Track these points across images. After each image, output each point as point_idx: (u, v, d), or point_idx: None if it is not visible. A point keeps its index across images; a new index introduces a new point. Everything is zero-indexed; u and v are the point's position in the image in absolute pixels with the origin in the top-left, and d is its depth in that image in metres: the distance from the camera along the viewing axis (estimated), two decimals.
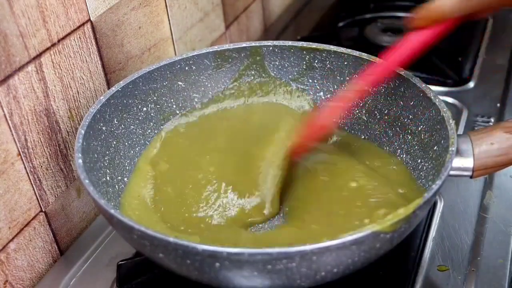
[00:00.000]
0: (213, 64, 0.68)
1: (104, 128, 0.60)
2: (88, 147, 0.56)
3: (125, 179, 0.62)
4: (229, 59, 0.69)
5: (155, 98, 0.66)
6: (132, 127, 0.64)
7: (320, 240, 0.44)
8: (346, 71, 0.67)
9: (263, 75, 0.70)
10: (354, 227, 0.45)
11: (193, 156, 0.64)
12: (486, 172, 0.54)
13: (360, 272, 0.49)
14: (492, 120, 0.78)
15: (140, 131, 0.65)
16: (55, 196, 0.63)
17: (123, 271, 0.59)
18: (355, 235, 0.44)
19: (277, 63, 0.69)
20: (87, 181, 0.51)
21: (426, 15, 0.53)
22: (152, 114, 0.66)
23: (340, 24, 1.03)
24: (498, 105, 0.81)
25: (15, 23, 0.53)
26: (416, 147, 0.60)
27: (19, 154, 0.57)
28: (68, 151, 0.63)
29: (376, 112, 0.66)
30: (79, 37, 0.62)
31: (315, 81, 0.69)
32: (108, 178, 0.59)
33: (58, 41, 0.59)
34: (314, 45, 0.67)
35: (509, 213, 0.64)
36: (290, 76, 0.70)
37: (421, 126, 0.60)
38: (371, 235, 0.45)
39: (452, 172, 0.52)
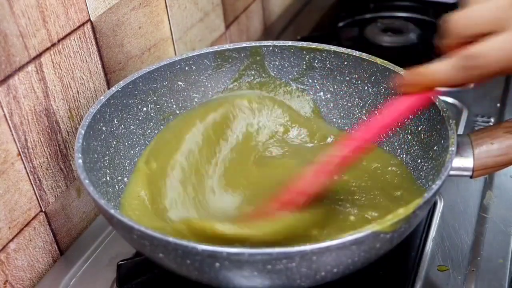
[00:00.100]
0: (213, 64, 0.68)
1: (104, 128, 0.60)
2: (88, 147, 0.56)
3: (125, 179, 0.62)
4: (229, 59, 0.69)
5: (155, 98, 0.66)
6: (132, 127, 0.64)
7: (320, 240, 0.44)
8: (346, 71, 0.67)
9: (263, 75, 0.70)
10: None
11: (181, 146, 0.64)
12: (486, 172, 0.54)
13: (360, 272, 0.49)
14: (492, 120, 0.78)
15: (140, 131, 0.65)
16: (55, 196, 0.63)
17: (123, 271, 0.59)
18: (355, 235, 0.44)
19: (277, 63, 0.69)
20: (87, 181, 0.51)
21: (417, 81, 0.49)
22: (152, 114, 0.66)
23: (340, 24, 1.03)
24: (498, 105, 0.81)
25: (15, 23, 0.53)
26: (416, 147, 0.60)
27: (19, 154, 0.57)
28: (68, 151, 0.63)
29: (376, 112, 0.65)
30: (79, 37, 0.62)
31: (315, 81, 0.69)
32: (108, 178, 0.59)
33: (58, 41, 0.59)
34: (314, 45, 0.67)
35: (509, 213, 0.64)
36: (290, 76, 0.70)
37: (421, 126, 0.60)
38: (371, 235, 0.45)
39: (452, 172, 0.52)
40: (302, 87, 0.70)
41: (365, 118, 0.67)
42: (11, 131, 0.55)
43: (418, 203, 0.47)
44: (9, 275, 0.58)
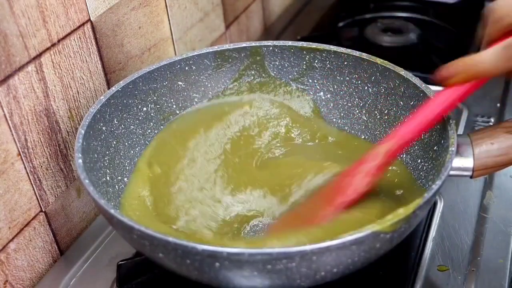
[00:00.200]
0: (213, 64, 0.68)
1: (104, 128, 0.60)
2: (88, 147, 0.56)
3: (125, 179, 0.62)
4: (229, 59, 0.69)
5: (155, 98, 0.66)
6: (132, 127, 0.64)
7: (320, 240, 0.44)
8: (346, 71, 0.67)
9: (263, 75, 0.70)
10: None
11: (185, 151, 0.64)
12: (486, 172, 0.54)
13: (360, 272, 0.49)
14: (492, 120, 0.78)
15: (140, 131, 0.65)
16: (55, 196, 0.63)
17: (123, 271, 0.59)
18: (355, 235, 0.44)
19: (277, 63, 0.69)
20: (87, 181, 0.51)
21: (462, 71, 0.49)
22: (152, 114, 0.66)
23: (340, 24, 1.03)
24: (498, 105, 0.81)
25: (15, 23, 0.53)
26: (416, 147, 0.60)
27: (19, 154, 0.57)
28: (68, 151, 0.64)
29: (376, 112, 0.66)
30: (79, 37, 0.62)
31: (315, 81, 0.69)
32: (108, 178, 0.59)
33: (58, 41, 0.59)
34: (314, 45, 0.67)
35: (509, 213, 0.64)
36: (290, 76, 0.70)
37: None
38: (371, 235, 0.45)
39: (452, 172, 0.52)
40: (302, 87, 0.70)
41: (365, 118, 0.67)
42: (11, 131, 0.55)
43: (418, 203, 0.47)
44: (9, 275, 0.58)
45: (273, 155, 0.66)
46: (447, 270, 0.58)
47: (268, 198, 0.62)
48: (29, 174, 0.58)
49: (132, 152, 0.64)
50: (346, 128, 0.68)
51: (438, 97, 0.52)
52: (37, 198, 0.60)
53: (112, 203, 0.57)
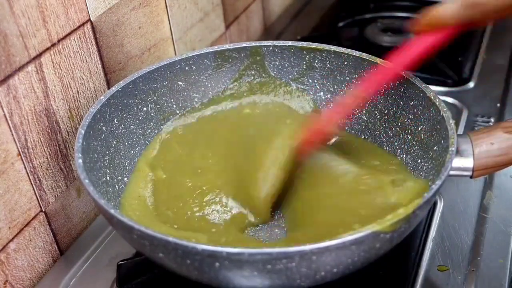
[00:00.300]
0: (213, 64, 0.68)
1: (104, 128, 0.60)
2: (88, 147, 0.56)
3: (125, 179, 0.62)
4: (229, 59, 0.69)
5: (155, 98, 0.66)
6: (132, 127, 0.64)
7: (320, 240, 0.44)
8: (346, 71, 0.67)
9: (263, 75, 0.70)
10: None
11: (191, 160, 0.64)
12: (486, 172, 0.54)
13: (360, 272, 0.49)
14: (492, 120, 0.78)
15: (140, 131, 0.65)
16: (55, 196, 0.63)
17: (123, 271, 0.59)
18: (355, 235, 0.44)
19: (277, 63, 0.69)
20: (87, 181, 0.51)
21: (427, 20, 0.52)
22: (152, 114, 0.66)
23: (340, 24, 1.03)
24: (498, 105, 0.81)
25: (15, 23, 0.53)
26: (416, 147, 0.60)
27: (19, 154, 0.57)
28: (68, 151, 0.64)
29: (376, 112, 0.66)
30: (79, 37, 0.62)
31: (315, 81, 0.69)
32: (108, 178, 0.59)
33: (58, 41, 0.59)
34: (314, 45, 0.67)
35: (509, 213, 0.64)
36: (290, 76, 0.70)
37: (421, 126, 0.60)
38: (371, 235, 0.45)
39: (452, 172, 0.52)
40: (302, 87, 0.70)
41: (365, 118, 0.67)
42: (11, 131, 0.55)
43: (418, 203, 0.47)
44: (9, 275, 0.58)
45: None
46: (447, 270, 0.58)
47: None
48: (29, 174, 0.58)
49: (132, 152, 0.64)
50: (346, 128, 0.68)
51: (408, 45, 0.55)
52: (37, 198, 0.60)
53: (112, 203, 0.57)
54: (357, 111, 0.67)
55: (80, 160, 0.53)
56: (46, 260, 0.63)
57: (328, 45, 0.67)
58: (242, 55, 0.69)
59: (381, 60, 0.63)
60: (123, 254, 0.62)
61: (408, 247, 0.61)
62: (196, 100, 0.69)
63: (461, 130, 0.76)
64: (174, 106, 0.68)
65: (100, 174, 0.57)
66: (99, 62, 0.66)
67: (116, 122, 0.62)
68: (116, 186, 0.60)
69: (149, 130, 0.66)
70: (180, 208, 0.60)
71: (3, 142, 0.55)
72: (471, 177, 0.54)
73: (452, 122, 0.54)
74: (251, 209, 0.60)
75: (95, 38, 0.65)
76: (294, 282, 0.47)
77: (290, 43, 0.68)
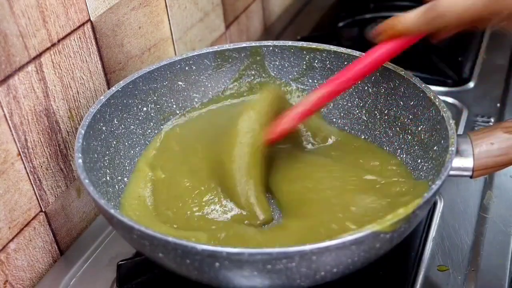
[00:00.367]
0: (213, 64, 0.68)
1: (104, 128, 0.60)
2: (88, 147, 0.56)
3: (125, 179, 0.62)
4: (229, 59, 0.69)
5: (155, 98, 0.66)
6: (132, 127, 0.64)
7: (320, 240, 0.44)
8: None
9: (263, 75, 0.70)
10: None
11: (190, 159, 0.64)
12: (486, 172, 0.54)
13: (360, 272, 0.49)
14: (492, 120, 0.78)
15: (140, 131, 0.65)
16: (55, 196, 0.63)
17: (123, 271, 0.59)
18: (355, 235, 0.44)
19: (277, 63, 0.69)
20: (87, 181, 0.51)
21: (388, 30, 0.54)
22: (152, 114, 0.66)
23: (340, 24, 1.03)
24: (498, 105, 0.81)
25: (15, 23, 0.53)
26: (416, 147, 0.60)
27: (19, 154, 0.57)
28: (68, 151, 0.64)
29: (376, 112, 0.66)
30: (79, 37, 0.62)
31: (315, 81, 0.69)
32: (108, 178, 0.59)
33: (58, 41, 0.59)
34: (314, 45, 0.67)
35: (509, 213, 0.64)
36: (290, 76, 0.70)
37: (421, 126, 0.60)
38: (371, 235, 0.45)
39: (452, 172, 0.52)
40: (302, 87, 0.70)
41: (365, 118, 0.67)
42: (11, 131, 0.55)
43: (418, 203, 0.47)
44: (9, 275, 0.58)
45: (273, 156, 0.66)
46: (447, 270, 0.58)
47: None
48: (29, 174, 0.58)
49: (132, 152, 0.64)
50: (346, 128, 0.68)
51: (368, 53, 0.56)
52: (37, 198, 0.60)
53: (112, 203, 0.57)
54: (357, 111, 0.67)
55: (80, 160, 0.53)
56: (46, 260, 0.63)
57: (328, 45, 0.67)
58: (242, 55, 0.69)
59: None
60: (123, 254, 0.62)
61: (408, 247, 0.61)
62: (196, 100, 0.69)
63: (461, 130, 0.76)
64: (174, 106, 0.68)
65: (100, 174, 0.57)
66: (99, 62, 0.66)
67: (116, 122, 0.62)
68: (116, 186, 0.60)
69: (149, 130, 0.66)
70: (180, 208, 0.60)
71: (3, 142, 0.55)
72: (471, 177, 0.54)
73: (452, 122, 0.54)
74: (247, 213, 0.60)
75: (95, 38, 0.65)
76: (294, 282, 0.47)
77: (290, 43, 0.68)
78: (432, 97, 0.58)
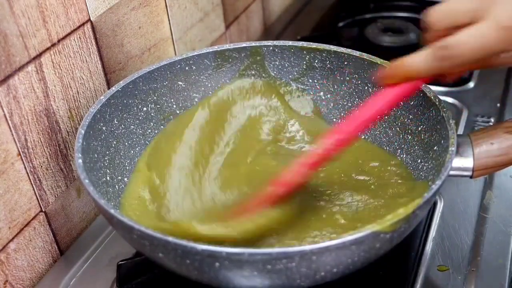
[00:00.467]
0: (213, 64, 0.68)
1: (104, 128, 0.60)
2: (88, 147, 0.56)
3: (125, 179, 0.62)
4: (229, 59, 0.69)
5: (155, 98, 0.66)
6: (132, 127, 0.64)
7: (318, 242, 0.44)
8: (346, 71, 0.67)
9: (263, 75, 0.70)
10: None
11: (189, 158, 0.64)
12: (486, 172, 0.54)
13: (360, 272, 0.49)
14: (492, 120, 0.78)
15: (140, 131, 0.65)
16: (55, 196, 0.63)
17: (123, 271, 0.59)
18: (355, 235, 0.44)
19: (277, 63, 0.69)
20: (87, 181, 0.51)
21: (395, 72, 0.50)
22: (152, 114, 0.66)
23: (340, 24, 1.03)
24: (498, 105, 0.81)
25: (15, 23, 0.53)
26: (416, 147, 0.60)
27: (19, 154, 0.57)
28: (68, 151, 0.64)
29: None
30: (79, 37, 0.62)
31: (315, 81, 0.69)
32: (108, 178, 0.59)
33: (58, 41, 0.59)
34: (314, 45, 0.67)
35: (509, 213, 0.64)
36: (290, 76, 0.70)
37: (421, 126, 0.60)
38: (370, 235, 0.45)
39: (452, 172, 0.52)
40: (302, 87, 0.70)
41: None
42: (11, 131, 0.55)
43: (418, 203, 0.47)
44: (9, 275, 0.58)
45: (268, 154, 0.66)
46: (447, 270, 0.58)
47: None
48: (29, 174, 0.58)
49: (132, 152, 0.64)
50: None
51: (375, 98, 0.52)
52: (37, 198, 0.60)
53: (112, 203, 0.57)
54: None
55: (80, 160, 0.53)
56: (46, 260, 0.63)
57: (328, 45, 0.67)
58: (242, 55, 0.69)
59: (381, 60, 0.63)
60: (123, 254, 0.62)
61: (408, 247, 0.61)
62: (196, 100, 0.69)
63: (461, 130, 0.76)
64: (174, 106, 0.68)
65: (100, 174, 0.57)
66: (99, 62, 0.66)
67: (116, 122, 0.62)
68: (116, 186, 0.60)
69: (149, 130, 0.66)
70: (181, 205, 0.60)
71: (3, 142, 0.55)
72: (471, 177, 0.54)
73: (452, 122, 0.54)
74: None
75: (95, 38, 0.65)
76: (294, 282, 0.47)
77: (290, 43, 0.68)
78: (432, 97, 0.58)
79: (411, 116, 0.61)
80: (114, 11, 0.67)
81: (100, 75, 0.67)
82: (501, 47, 0.45)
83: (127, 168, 0.62)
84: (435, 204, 0.66)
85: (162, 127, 0.67)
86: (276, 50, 0.69)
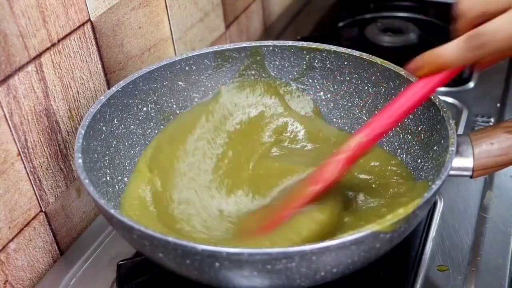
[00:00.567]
0: (213, 64, 0.68)
1: (104, 128, 0.60)
2: (88, 147, 0.56)
3: (125, 179, 0.62)
4: (229, 59, 0.69)
5: (155, 98, 0.66)
6: (132, 127, 0.64)
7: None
8: (346, 71, 0.67)
9: (263, 75, 0.70)
10: None
11: (189, 160, 0.64)
12: (486, 172, 0.54)
13: (360, 272, 0.49)
14: (492, 120, 0.78)
15: (140, 131, 0.65)
16: (55, 196, 0.63)
17: (123, 271, 0.59)
18: (355, 235, 0.44)
19: (277, 63, 0.69)
20: (87, 181, 0.51)
21: (427, 64, 0.50)
22: (152, 114, 0.66)
23: (340, 24, 1.03)
24: (498, 105, 0.81)
25: (15, 23, 0.53)
26: (416, 147, 0.60)
27: (19, 154, 0.57)
28: (68, 151, 0.64)
29: (376, 112, 0.66)
30: (79, 37, 0.62)
31: (315, 81, 0.69)
32: (108, 178, 0.59)
33: (58, 41, 0.59)
34: (314, 45, 0.67)
35: (509, 213, 0.64)
36: (290, 76, 0.70)
37: (421, 126, 0.60)
38: (370, 235, 0.45)
39: (452, 172, 0.52)
40: (302, 87, 0.70)
41: (365, 118, 0.67)
42: (11, 131, 0.55)
43: (418, 203, 0.47)
44: (9, 275, 0.58)
45: (271, 156, 0.66)
46: (447, 270, 0.58)
47: (257, 201, 0.61)
48: (29, 174, 0.58)
49: (132, 152, 0.64)
50: (346, 128, 0.68)
51: (409, 90, 0.53)
52: (37, 198, 0.60)
53: (112, 203, 0.57)
54: (357, 111, 0.67)
55: (80, 160, 0.53)
56: (46, 260, 0.63)
57: (328, 45, 0.67)
58: (242, 55, 0.69)
59: (381, 60, 0.63)
60: (123, 254, 0.62)
61: (408, 247, 0.61)
62: (196, 100, 0.69)
63: (461, 130, 0.76)
64: (174, 106, 0.68)
65: (100, 174, 0.57)
66: (99, 62, 0.66)
67: (116, 122, 0.62)
68: (116, 186, 0.60)
69: (149, 130, 0.66)
70: (181, 205, 0.60)
71: (3, 142, 0.55)
72: (471, 177, 0.54)
73: (452, 122, 0.54)
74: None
75: (95, 38, 0.65)
76: (294, 282, 0.47)
77: (290, 43, 0.68)
78: (432, 97, 0.58)
79: (411, 116, 0.61)
80: (114, 11, 0.67)
81: (100, 75, 0.67)
82: None
83: (127, 168, 0.62)
84: (435, 204, 0.66)
85: (162, 127, 0.67)
86: (276, 50, 0.69)
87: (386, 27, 0.95)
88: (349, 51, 0.66)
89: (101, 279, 0.61)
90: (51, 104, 0.60)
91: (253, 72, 0.70)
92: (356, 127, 0.67)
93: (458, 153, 0.53)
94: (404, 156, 0.62)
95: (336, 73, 0.68)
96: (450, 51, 0.48)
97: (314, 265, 0.45)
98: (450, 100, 0.82)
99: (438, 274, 0.58)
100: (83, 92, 0.64)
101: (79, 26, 0.62)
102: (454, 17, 0.49)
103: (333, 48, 0.67)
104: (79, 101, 0.64)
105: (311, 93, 0.70)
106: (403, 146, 0.63)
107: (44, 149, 0.60)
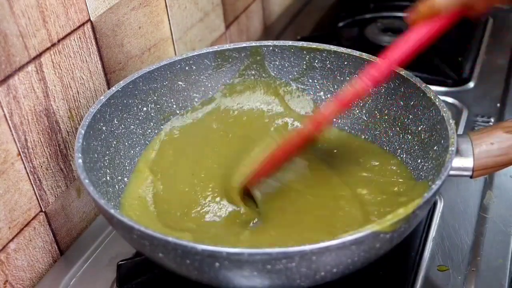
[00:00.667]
0: (213, 64, 0.68)
1: (104, 128, 0.60)
2: (88, 147, 0.56)
3: (125, 179, 0.62)
4: (229, 59, 0.69)
5: (155, 98, 0.66)
6: (132, 127, 0.64)
7: (317, 241, 0.44)
8: (346, 71, 0.67)
9: (263, 75, 0.70)
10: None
11: (189, 161, 0.64)
12: (486, 172, 0.54)
13: (360, 272, 0.49)
14: (492, 120, 0.78)
15: (140, 131, 0.65)
16: (55, 196, 0.63)
17: (123, 271, 0.59)
18: (355, 235, 0.44)
19: (277, 63, 0.69)
20: (87, 181, 0.51)
21: (421, 10, 0.52)
22: (152, 114, 0.66)
23: (340, 24, 1.03)
24: (498, 105, 0.81)
25: (15, 23, 0.53)
26: (416, 147, 0.60)
27: (19, 154, 0.57)
28: (68, 151, 0.64)
29: (376, 112, 0.66)
30: (79, 37, 0.62)
31: (315, 81, 0.69)
32: (108, 178, 0.59)
33: (58, 41, 0.59)
34: (314, 45, 0.67)
35: (509, 213, 0.64)
36: (290, 76, 0.70)
37: (421, 126, 0.60)
38: (370, 235, 0.45)
39: (452, 172, 0.52)
40: (302, 87, 0.70)
41: (365, 118, 0.67)
42: (11, 131, 0.55)
43: (418, 203, 0.47)
44: (9, 275, 0.58)
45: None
46: (447, 270, 0.58)
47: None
48: (29, 174, 0.58)
49: (132, 152, 0.64)
50: (346, 128, 0.68)
51: (410, 33, 0.54)
52: (37, 198, 0.60)
53: (112, 203, 0.57)
54: (357, 111, 0.67)
55: (80, 160, 0.53)
56: (46, 260, 0.63)
57: (328, 45, 0.67)
58: (242, 55, 0.69)
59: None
60: (123, 254, 0.62)
61: (408, 247, 0.61)
62: (196, 100, 0.69)
63: (461, 130, 0.76)
64: (174, 106, 0.68)
65: (100, 174, 0.57)
66: (99, 62, 0.66)
67: (116, 122, 0.62)
68: (116, 186, 0.60)
69: (149, 130, 0.66)
70: (180, 205, 0.60)
71: (3, 142, 0.55)
72: (471, 177, 0.54)
73: (452, 122, 0.54)
74: (228, 200, 0.60)
75: (95, 38, 0.65)
76: (294, 282, 0.47)
77: (290, 43, 0.68)
78: (432, 97, 0.58)
79: (411, 116, 0.61)
80: (114, 11, 0.67)
81: (100, 75, 0.67)
82: None
83: (127, 168, 0.62)
84: (435, 204, 0.66)
85: (162, 127, 0.67)
86: (276, 50, 0.69)
87: (386, 27, 0.95)
88: (349, 51, 0.66)
89: (101, 279, 0.61)
90: (51, 104, 0.60)
91: (253, 72, 0.70)
92: (356, 127, 0.68)
93: (458, 153, 0.53)
94: (404, 156, 0.62)
95: (336, 73, 0.68)
96: None
97: (314, 265, 0.45)
98: (450, 100, 0.82)
99: (438, 274, 0.58)
100: (83, 92, 0.64)
101: (79, 26, 0.62)
102: None
103: (333, 48, 0.67)
104: (79, 101, 0.64)
105: (311, 93, 0.70)
106: (403, 146, 0.63)
107: (44, 149, 0.60)
